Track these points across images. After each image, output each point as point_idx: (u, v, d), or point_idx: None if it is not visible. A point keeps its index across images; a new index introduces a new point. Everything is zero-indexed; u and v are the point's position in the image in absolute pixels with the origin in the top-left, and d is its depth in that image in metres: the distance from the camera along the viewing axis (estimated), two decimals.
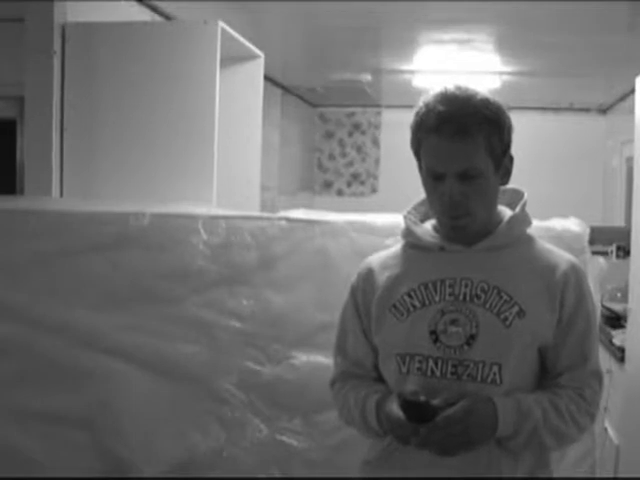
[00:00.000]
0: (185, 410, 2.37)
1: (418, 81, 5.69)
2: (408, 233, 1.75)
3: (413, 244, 1.74)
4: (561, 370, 1.64)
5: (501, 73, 5.52)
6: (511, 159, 1.68)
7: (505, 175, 1.68)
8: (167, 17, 3.63)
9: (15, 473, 2.36)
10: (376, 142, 7.56)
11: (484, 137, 1.58)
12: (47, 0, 2.85)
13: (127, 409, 2.37)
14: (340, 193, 7.59)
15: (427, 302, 1.65)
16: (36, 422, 2.38)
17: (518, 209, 1.71)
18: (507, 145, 1.65)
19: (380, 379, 1.74)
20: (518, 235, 1.70)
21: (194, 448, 2.33)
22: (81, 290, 2.46)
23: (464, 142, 1.57)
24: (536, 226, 1.77)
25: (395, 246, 1.81)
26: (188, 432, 2.34)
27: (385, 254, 1.80)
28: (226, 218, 2.49)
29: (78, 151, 2.92)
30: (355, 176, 7.60)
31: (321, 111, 7.57)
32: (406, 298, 1.67)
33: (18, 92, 3.03)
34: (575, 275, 1.66)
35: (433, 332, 1.62)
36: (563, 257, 1.69)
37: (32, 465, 2.36)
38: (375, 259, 1.79)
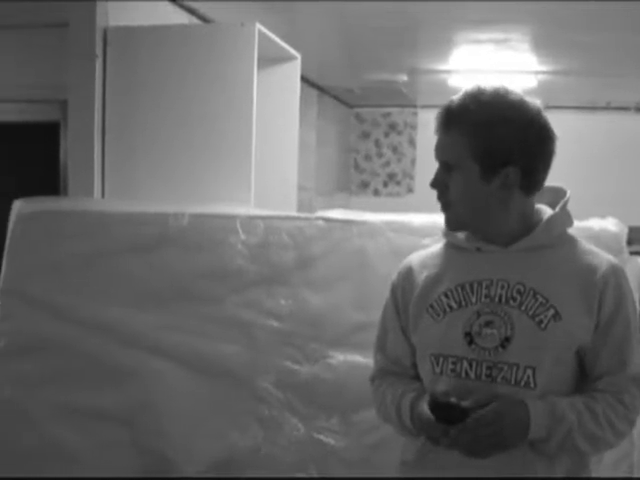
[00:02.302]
0: (224, 409, 2.40)
1: (454, 81, 5.67)
2: (447, 233, 1.75)
3: (452, 244, 1.75)
4: (599, 374, 1.61)
5: (537, 72, 5.48)
6: (526, 173, 1.62)
7: (504, 187, 1.61)
8: (204, 20, 3.66)
9: (58, 469, 2.41)
10: (412, 142, 7.54)
11: (465, 137, 1.60)
12: (89, 1, 2.90)
13: (167, 407, 2.41)
14: (376, 193, 7.58)
15: (463, 303, 1.64)
16: (79, 419, 2.42)
17: (558, 208, 1.69)
18: (504, 158, 1.59)
19: (418, 377, 1.74)
20: (557, 235, 1.68)
21: (233, 446, 2.36)
22: (123, 290, 2.51)
23: (445, 135, 1.64)
24: (574, 226, 1.75)
25: (435, 245, 1.81)
26: (227, 431, 2.37)
27: (425, 253, 1.80)
28: (264, 218, 2.52)
29: (119, 152, 2.96)
30: (391, 176, 7.58)
31: (357, 111, 7.57)
32: (443, 298, 1.67)
33: (61, 95, 3.09)
34: (615, 278, 1.62)
35: (468, 334, 1.61)
36: (603, 258, 1.66)
37: (75, 461, 2.40)
38: (415, 258, 1.80)
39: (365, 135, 7.61)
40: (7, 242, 2.61)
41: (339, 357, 2.38)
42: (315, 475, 2.31)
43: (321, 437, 2.34)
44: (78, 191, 2.93)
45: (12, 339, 2.52)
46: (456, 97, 1.64)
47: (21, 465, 2.45)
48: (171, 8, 3.41)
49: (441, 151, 1.66)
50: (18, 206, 2.63)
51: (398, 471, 1.79)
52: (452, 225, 1.70)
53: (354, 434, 2.32)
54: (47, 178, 3.86)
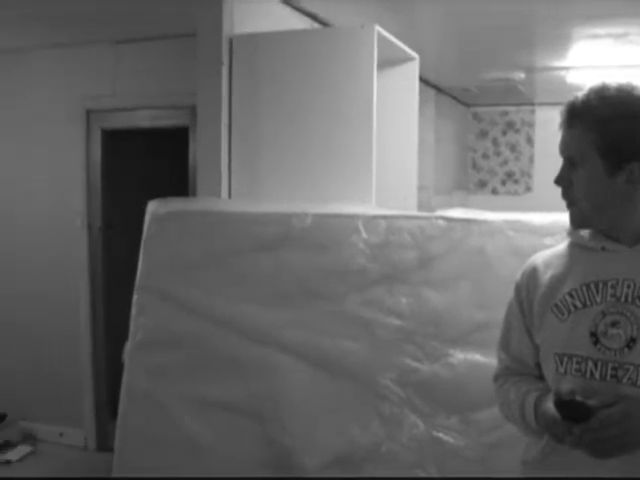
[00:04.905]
0: (345, 404, 2.44)
1: (572, 77, 5.54)
2: (572, 232, 1.74)
3: (577, 243, 1.73)
4: None
5: None
6: None
7: (629, 183, 1.60)
8: (324, 24, 3.73)
9: (190, 459, 2.52)
10: (530, 140, 7.41)
11: (589, 132, 1.58)
12: (216, 2, 3.01)
13: (292, 401, 2.47)
14: (494, 192, 7.49)
15: (588, 303, 1.62)
16: (209, 411, 2.52)
17: None
18: (629, 153, 1.58)
19: (542, 377, 1.73)
20: None
21: (354, 442, 2.40)
22: (249, 287, 2.59)
23: (569, 130, 1.62)
24: None
25: (560, 245, 1.80)
26: (348, 426, 2.41)
27: (550, 253, 1.79)
28: (385, 217, 2.55)
29: (244, 154, 3.06)
30: (509, 175, 7.48)
31: (475, 110, 7.51)
32: (567, 298, 1.66)
33: (190, 101, 3.23)
34: None
35: (593, 334, 1.59)
36: None
37: (206, 452, 2.50)
38: (539, 257, 1.79)
39: (483, 134, 7.54)
40: (142, 241, 2.74)
41: (459, 356, 2.39)
42: (434, 473, 2.32)
43: (440, 435, 2.35)
44: (206, 192, 3.04)
45: (147, 333, 2.64)
46: (581, 93, 1.64)
47: (155, 453, 2.57)
48: (292, 14, 3.50)
49: (565, 147, 1.65)
50: (153, 207, 2.76)
51: (519, 471, 1.78)
52: (576, 222, 1.69)
53: (473, 433, 2.33)
54: (178, 179, 4.05)
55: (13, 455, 4.45)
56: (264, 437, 2.47)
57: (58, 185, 4.65)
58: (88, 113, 4.52)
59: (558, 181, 1.67)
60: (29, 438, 4.69)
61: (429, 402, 2.38)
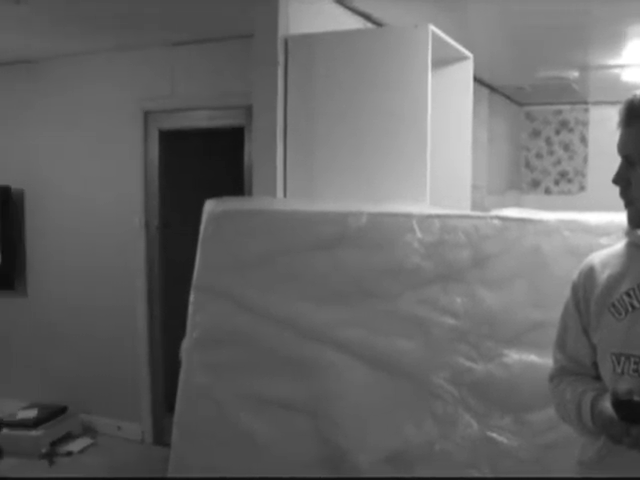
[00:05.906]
0: (399, 403, 2.45)
1: (627, 76, 5.44)
2: (629, 232, 1.73)
3: (634, 243, 1.72)
4: None
5: None
6: None
7: None
8: (378, 23, 3.74)
9: (244, 454, 2.55)
10: (584, 140, 7.31)
11: None
12: (272, 3, 3.04)
13: (346, 399, 2.49)
14: (548, 191, 7.42)
15: None
16: (265, 408, 2.55)
17: None
18: None
19: (599, 377, 1.72)
20: None
21: (407, 440, 2.40)
22: (305, 286, 2.61)
23: (625, 130, 1.62)
24: None
25: (618, 244, 1.79)
26: (402, 424, 2.42)
27: (607, 252, 1.78)
28: (440, 217, 2.55)
29: (299, 154, 3.08)
30: (563, 174, 7.40)
31: (528, 109, 7.44)
32: (625, 297, 1.65)
33: (246, 102, 3.26)
34: None
35: None
36: None
37: (262, 449, 2.53)
38: (597, 257, 1.78)
39: (536, 133, 7.46)
40: (199, 240, 2.77)
41: (514, 356, 2.38)
42: (488, 473, 2.32)
43: (494, 435, 2.35)
44: (262, 191, 3.07)
45: (203, 331, 2.68)
46: (639, 91, 1.63)
47: (210, 450, 2.61)
48: (346, 14, 3.51)
49: (623, 146, 1.65)
50: (209, 206, 2.80)
51: (575, 471, 1.77)
52: (634, 222, 1.68)
53: (527, 434, 2.32)
54: (233, 179, 4.11)
55: (74, 446, 4.59)
56: (319, 435, 2.49)
57: (116, 185, 4.76)
58: (146, 114, 4.63)
59: (616, 180, 1.66)
60: (89, 430, 4.83)
61: (483, 402, 2.38)
